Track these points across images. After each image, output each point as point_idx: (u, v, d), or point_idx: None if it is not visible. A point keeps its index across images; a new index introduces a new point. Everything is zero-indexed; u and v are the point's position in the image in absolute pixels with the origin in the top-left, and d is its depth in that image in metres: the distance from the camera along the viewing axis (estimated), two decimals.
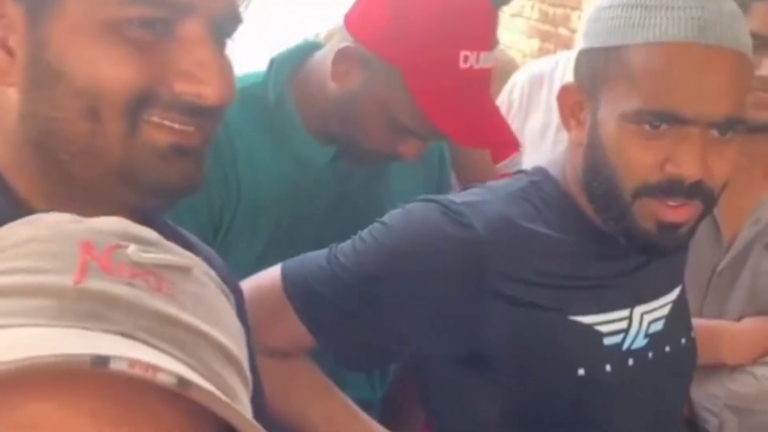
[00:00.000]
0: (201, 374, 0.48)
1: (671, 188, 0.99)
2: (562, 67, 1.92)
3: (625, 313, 1.11)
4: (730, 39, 0.98)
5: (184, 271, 0.53)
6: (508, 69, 2.39)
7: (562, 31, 4.16)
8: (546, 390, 1.06)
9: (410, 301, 1.04)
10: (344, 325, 1.06)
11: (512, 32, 4.69)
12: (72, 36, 0.65)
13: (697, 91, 0.97)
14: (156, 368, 0.44)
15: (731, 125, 1.00)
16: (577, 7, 3.94)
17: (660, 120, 0.97)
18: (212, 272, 0.57)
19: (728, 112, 0.98)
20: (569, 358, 1.07)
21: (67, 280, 0.49)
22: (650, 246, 1.05)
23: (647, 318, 1.14)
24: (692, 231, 1.06)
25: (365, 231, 1.08)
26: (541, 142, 1.93)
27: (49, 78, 0.66)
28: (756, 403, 1.44)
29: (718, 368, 1.45)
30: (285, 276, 1.09)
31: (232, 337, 0.54)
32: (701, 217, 1.05)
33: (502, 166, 1.71)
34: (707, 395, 1.45)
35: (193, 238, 0.85)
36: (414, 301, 1.04)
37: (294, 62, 1.33)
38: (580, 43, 1.08)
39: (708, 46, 0.97)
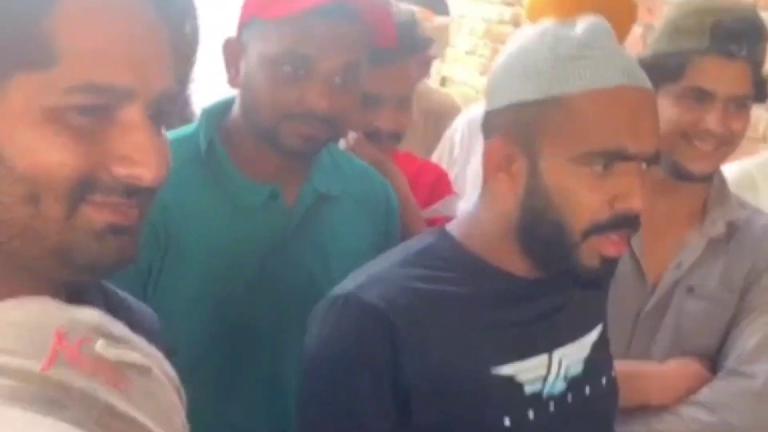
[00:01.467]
0: None
1: (621, 223, 1.05)
2: None
3: (543, 358, 1.14)
4: (646, 80, 1.07)
5: (144, 370, 0.59)
6: (451, 112, 2.45)
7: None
8: None
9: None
10: None
11: (467, 69, 4.77)
12: (13, 122, 0.65)
13: (635, 129, 1.04)
14: None
15: (656, 158, 1.07)
16: None
17: (609, 159, 1.02)
18: (171, 371, 0.64)
19: (656, 146, 1.06)
20: (494, 410, 1.09)
21: (35, 366, 0.55)
22: (593, 281, 1.10)
23: (565, 361, 1.17)
24: (617, 264, 1.11)
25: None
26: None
27: None
28: None
29: (644, 409, 1.49)
30: None
31: None
32: (626, 250, 1.12)
33: (437, 207, 1.73)
34: None
35: (129, 298, 0.88)
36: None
37: (223, 110, 1.36)
38: (491, 104, 1.10)
39: (635, 87, 1.05)
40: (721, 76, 1.44)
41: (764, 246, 1.53)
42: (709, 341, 1.53)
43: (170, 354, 0.87)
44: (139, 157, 0.68)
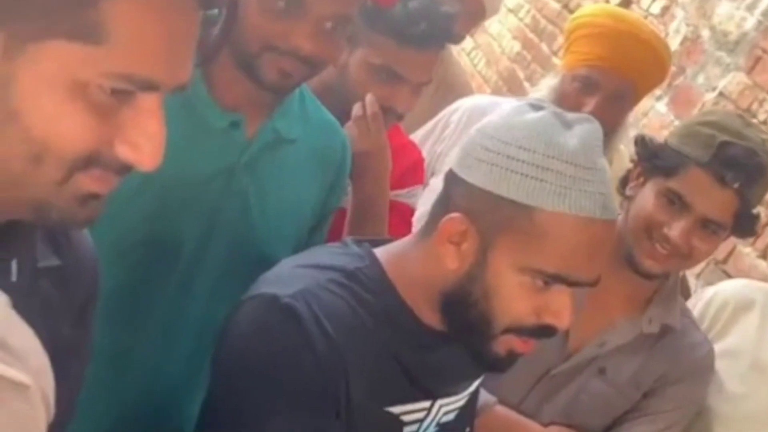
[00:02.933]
0: None
1: (541, 333, 1.07)
2: None
3: (427, 404, 1.16)
4: (614, 211, 1.06)
5: (21, 389, 0.59)
6: (461, 90, 2.40)
7: (544, 47, 4.16)
8: None
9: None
10: None
11: (503, 25, 4.67)
12: (40, 85, 0.65)
13: (588, 260, 1.04)
14: None
15: (594, 284, 1.07)
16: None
17: (555, 281, 1.03)
18: (49, 389, 0.63)
19: (599, 277, 1.07)
20: None
21: None
22: (494, 367, 1.12)
23: (444, 409, 1.20)
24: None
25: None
26: None
27: (3, 113, 0.65)
28: None
29: None
30: None
31: None
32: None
33: (402, 193, 1.71)
34: None
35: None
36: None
37: (206, 29, 1.31)
38: (463, 169, 1.06)
39: (604, 221, 1.03)
40: (705, 195, 1.42)
41: (683, 361, 1.55)
42: (596, 423, 1.56)
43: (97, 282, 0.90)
44: (147, 145, 0.70)
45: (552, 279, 1.02)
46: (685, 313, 1.59)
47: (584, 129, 1.04)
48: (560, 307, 1.04)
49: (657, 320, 1.54)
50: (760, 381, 1.56)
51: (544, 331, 1.07)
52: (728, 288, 1.72)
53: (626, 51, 1.92)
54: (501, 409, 1.53)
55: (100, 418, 1.25)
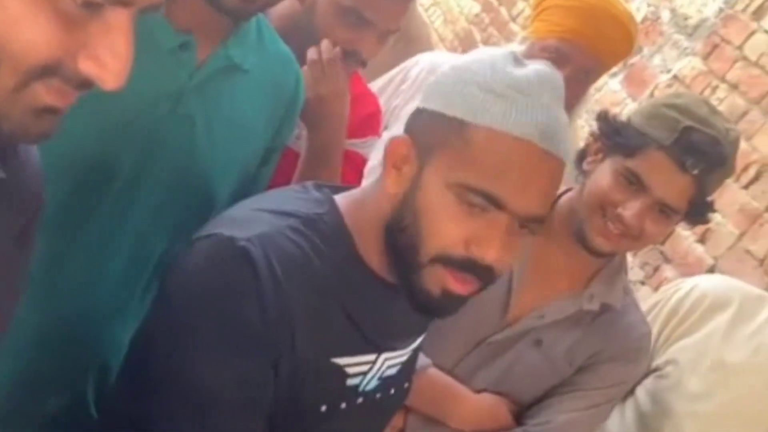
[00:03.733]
0: None
1: (466, 266, 1.02)
2: None
3: (371, 357, 1.14)
4: (561, 149, 1.02)
5: None
6: (422, 44, 2.36)
7: (503, 11, 4.12)
8: (293, 425, 1.10)
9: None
10: None
11: None
12: None
13: (521, 185, 1.00)
14: None
15: (535, 224, 1.04)
16: None
17: (480, 198, 0.99)
18: None
19: (539, 213, 1.03)
20: (317, 395, 1.10)
21: None
22: (428, 308, 1.08)
23: (388, 363, 1.18)
24: (465, 301, 1.10)
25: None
26: None
27: None
28: None
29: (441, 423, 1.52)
30: None
31: None
32: (477, 293, 1.08)
33: (357, 142, 1.68)
34: None
35: None
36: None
37: None
38: (422, 101, 1.06)
39: (543, 150, 1.00)
40: (662, 178, 1.41)
41: (619, 340, 1.55)
42: (528, 393, 1.56)
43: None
44: (113, 63, 0.67)
45: (477, 195, 0.99)
46: (627, 292, 1.59)
47: (538, 69, 1.04)
48: (489, 237, 1.00)
49: (598, 298, 1.54)
50: (719, 382, 1.57)
51: (472, 266, 1.02)
52: (708, 283, 1.72)
53: (599, 27, 1.89)
54: (434, 372, 1.52)
55: (27, 332, 1.20)
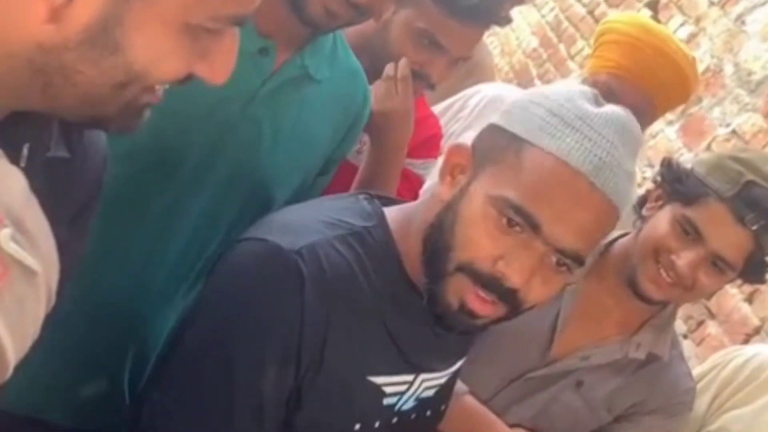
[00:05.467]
0: None
1: (490, 283, 1.01)
2: None
3: (410, 377, 1.14)
4: (614, 191, 1.00)
5: (30, 273, 0.59)
6: (483, 73, 2.36)
7: (562, 48, 4.12)
8: None
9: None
10: None
11: (523, 19, 4.61)
12: (154, 24, 0.66)
13: (561, 213, 0.99)
14: None
15: (573, 262, 1.02)
16: (586, 37, 3.89)
17: (518, 216, 0.98)
18: (54, 282, 0.64)
19: (579, 249, 1.01)
20: (352, 414, 1.09)
21: None
22: (443, 319, 1.07)
23: (425, 384, 1.18)
24: (486, 326, 1.09)
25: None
26: None
27: (108, 46, 0.65)
28: None
29: None
30: None
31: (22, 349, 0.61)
32: (501, 320, 1.07)
33: (415, 163, 1.68)
34: None
35: None
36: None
37: None
38: (494, 117, 1.07)
39: (592, 184, 0.98)
40: (720, 230, 1.39)
41: (663, 393, 1.53)
42: None
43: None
44: (224, 69, 0.74)
45: (516, 212, 0.98)
46: (675, 344, 1.56)
47: (614, 110, 1.04)
48: (518, 259, 0.99)
49: (645, 347, 1.51)
50: None
51: (495, 285, 1.00)
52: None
53: (651, 65, 1.87)
54: (470, 399, 1.51)
55: (73, 314, 1.21)
